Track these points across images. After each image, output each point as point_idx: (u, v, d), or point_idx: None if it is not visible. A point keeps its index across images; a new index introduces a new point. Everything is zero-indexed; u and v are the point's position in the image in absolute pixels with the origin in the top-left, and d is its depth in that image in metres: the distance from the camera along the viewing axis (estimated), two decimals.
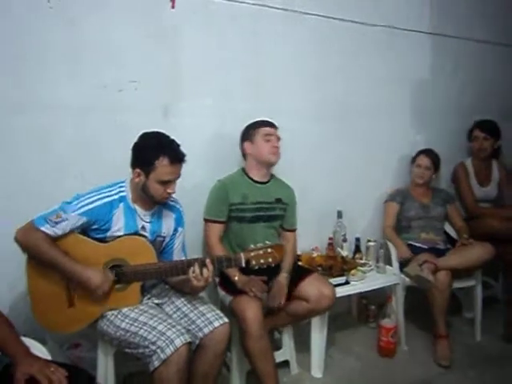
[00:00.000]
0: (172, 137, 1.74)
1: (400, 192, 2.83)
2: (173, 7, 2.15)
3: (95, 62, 2.01)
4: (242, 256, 1.71)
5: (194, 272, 1.65)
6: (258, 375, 1.95)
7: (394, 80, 2.89)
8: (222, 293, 2.12)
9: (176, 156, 1.69)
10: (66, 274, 1.63)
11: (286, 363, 2.28)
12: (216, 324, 1.69)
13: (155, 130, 1.76)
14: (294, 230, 2.33)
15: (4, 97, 1.85)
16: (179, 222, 1.90)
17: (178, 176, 1.74)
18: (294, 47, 2.53)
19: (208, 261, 1.68)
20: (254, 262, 1.71)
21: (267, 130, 2.17)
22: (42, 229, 1.60)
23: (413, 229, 2.72)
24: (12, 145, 1.89)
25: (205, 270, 1.66)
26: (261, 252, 1.72)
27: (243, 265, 1.72)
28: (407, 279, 2.51)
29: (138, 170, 1.70)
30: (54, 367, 1.31)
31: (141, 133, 1.74)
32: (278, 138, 2.20)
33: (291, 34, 2.51)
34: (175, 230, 1.89)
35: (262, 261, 1.72)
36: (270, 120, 2.21)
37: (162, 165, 1.66)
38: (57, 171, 1.98)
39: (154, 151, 1.67)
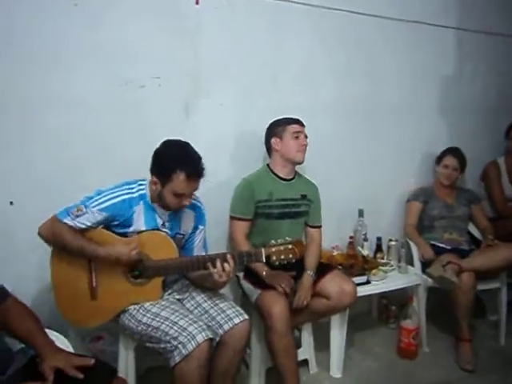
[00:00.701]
0: (195, 148, 1.71)
1: (423, 191, 2.78)
2: (197, 3, 2.15)
3: (118, 58, 2.03)
4: (263, 251, 1.71)
5: (215, 267, 1.65)
6: (281, 372, 1.95)
7: (419, 77, 2.84)
8: (247, 285, 2.12)
9: (194, 171, 1.65)
10: (88, 254, 1.64)
11: (305, 362, 2.27)
12: (236, 321, 1.69)
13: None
14: (318, 227, 2.30)
15: (25, 94, 1.88)
16: (200, 220, 1.90)
17: (196, 189, 1.73)
18: (318, 43, 2.51)
19: (229, 256, 1.68)
20: (274, 258, 1.71)
21: (296, 127, 2.15)
22: (65, 221, 1.64)
23: (436, 229, 2.67)
24: (32, 143, 1.92)
25: (226, 265, 1.66)
26: (281, 248, 1.71)
27: (263, 260, 1.71)
28: (429, 280, 2.46)
29: (155, 179, 1.69)
30: (78, 360, 1.33)
31: (164, 139, 1.72)
32: (306, 137, 2.18)
33: (315, 30, 2.49)
34: (195, 228, 1.88)
35: (282, 256, 1.71)
36: (298, 118, 2.19)
37: (179, 179, 1.64)
38: (77, 169, 2.00)
39: (172, 164, 1.64)
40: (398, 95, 2.78)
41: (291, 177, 2.23)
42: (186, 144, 1.72)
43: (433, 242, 2.63)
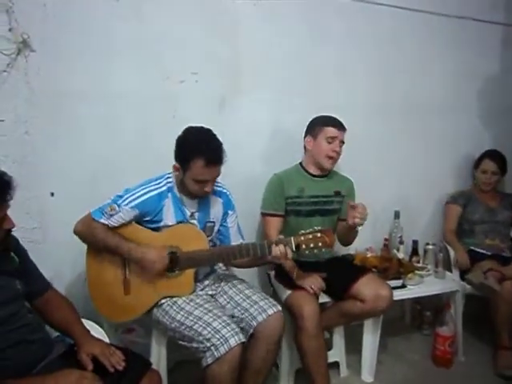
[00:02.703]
0: (217, 134, 1.70)
1: (463, 194, 2.69)
2: None
3: (159, 53, 2.05)
4: (292, 240, 1.69)
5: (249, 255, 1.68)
6: (310, 374, 1.92)
7: (461, 75, 2.75)
8: (277, 285, 2.11)
9: (212, 158, 1.64)
10: (123, 254, 1.68)
11: (335, 364, 2.22)
12: (270, 312, 1.69)
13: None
14: None
15: (72, 85, 1.91)
16: (228, 205, 1.89)
17: (216, 176, 1.72)
18: (357, 40, 2.46)
19: (265, 242, 1.71)
20: (303, 246, 1.70)
21: (333, 131, 2.07)
22: (100, 220, 1.67)
23: (476, 233, 2.58)
24: (74, 135, 1.96)
25: (276, 248, 1.68)
26: (310, 236, 1.70)
27: (293, 249, 1.69)
28: (468, 286, 2.38)
29: (177, 165, 1.71)
30: (113, 350, 1.36)
31: (186, 126, 1.73)
32: (342, 142, 2.10)
33: (353, 26, 2.43)
34: (225, 214, 1.89)
35: (311, 245, 1.70)
36: (338, 120, 2.10)
37: (197, 166, 1.64)
38: (116, 161, 2.03)
39: (191, 150, 1.65)
40: (439, 94, 2.70)
41: (325, 174, 2.19)
42: (207, 130, 1.70)
43: (472, 248, 2.54)
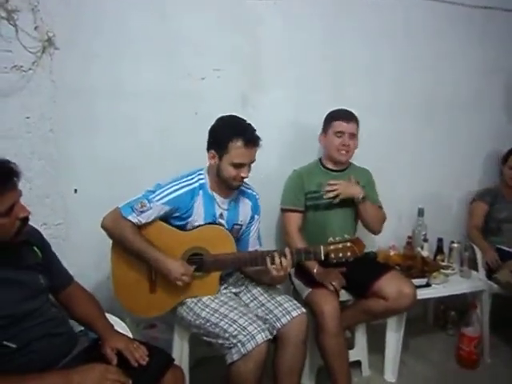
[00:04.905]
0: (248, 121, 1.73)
1: (490, 191, 2.63)
2: None
3: (181, 50, 2.05)
4: (322, 249, 1.68)
5: (274, 262, 1.64)
6: (331, 373, 1.90)
7: (488, 69, 2.68)
8: (297, 282, 2.09)
9: (250, 139, 1.66)
10: (148, 262, 1.67)
11: (357, 363, 2.20)
12: (294, 314, 1.67)
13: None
14: (379, 207, 2.19)
15: (90, 84, 1.92)
16: (256, 209, 1.89)
17: (252, 160, 1.72)
18: (377, 34, 2.41)
19: (288, 250, 1.66)
20: (332, 256, 1.68)
21: (342, 125, 2.06)
22: (129, 218, 1.64)
23: (503, 232, 2.51)
24: (97, 131, 1.97)
25: (284, 260, 1.64)
26: (340, 246, 1.69)
27: (322, 258, 1.69)
28: (495, 286, 2.32)
29: (212, 152, 1.70)
30: (137, 345, 1.37)
31: (213, 119, 1.75)
32: (352, 135, 2.08)
33: (374, 20, 2.38)
34: (252, 218, 1.88)
35: (340, 254, 1.69)
36: (349, 111, 2.10)
37: (236, 147, 1.64)
38: (139, 158, 2.03)
39: (229, 133, 1.66)
40: (464, 89, 2.64)
41: (343, 168, 2.17)
42: (240, 117, 1.73)
43: (499, 246, 2.46)
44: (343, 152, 2.08)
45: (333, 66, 2.35)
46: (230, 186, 1.75)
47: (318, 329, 1.88)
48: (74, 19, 1.86)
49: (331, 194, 2.04)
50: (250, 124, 1.71)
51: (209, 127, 1.75)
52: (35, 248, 1.34)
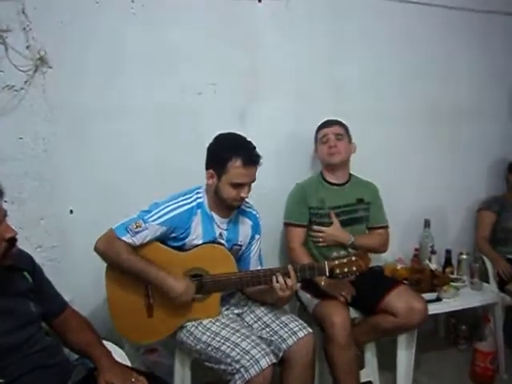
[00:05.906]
0: (248, 138, 1.68)
1: (497, 200, 2.58)
2: (260, 1, 2.11)
3: (176, 65, 2.02)
4: (326, 265, 1.62)
5: (278, 282, 1.57)
6: None
7: (490, 75, 2.65)
8: (305, 295, 2.03)
9: (250, 158, 1.60)
10: (148, 280, 1.59)
11: None
12: (300, 334, 1.60)
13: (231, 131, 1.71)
14: (384, 227, 2.15)
15: (88, 101, 1.89)
16: (256, 229, 1.83)
17: (253, 180, 1.66)
18: (379, 43, 2.39)
19: (291, 267, 1.60)
20: (337, 271, 1.63)
21: (323, 131, 2.09)
22: (123, 238, 1.56)
23: None
24: (92, 151, 1.93)
25: (288, 280, 1.58)
26: (345, 260, 1.64)
27: (327, 274, 1.63)
28: (507, 298, 2.24)
29: (211, 171, 1.65)
30: (135, 377, 1.28)
31: (216, 133, 1.70)
32: (337, 135, 2.06)
33: (374, 28, 2.36)
34: (252, 238, 1.82)
35: (346, 269, 1.64)
36: (331, 119, 2.11)
37: (235, 166, 1.59)
38: (135, 177, 1.98)
39: (227, 152, 1.60)
40: (467, 97, 2.61)
41: (344, 181, 2.12)
42: (239, 134, 1.67)
43: (509, 257, 2.41)
44: (332, 152, 2.04)
45: (332, 78, 2.32)
46: (230, 206, 1.69)
47: (328, 341, 1.82)
48: (67, 37, 1.84)
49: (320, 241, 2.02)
50: (249, 142, 1.65)
51: (207, 144, 1.70)
52: (25, 274, 1.27)
